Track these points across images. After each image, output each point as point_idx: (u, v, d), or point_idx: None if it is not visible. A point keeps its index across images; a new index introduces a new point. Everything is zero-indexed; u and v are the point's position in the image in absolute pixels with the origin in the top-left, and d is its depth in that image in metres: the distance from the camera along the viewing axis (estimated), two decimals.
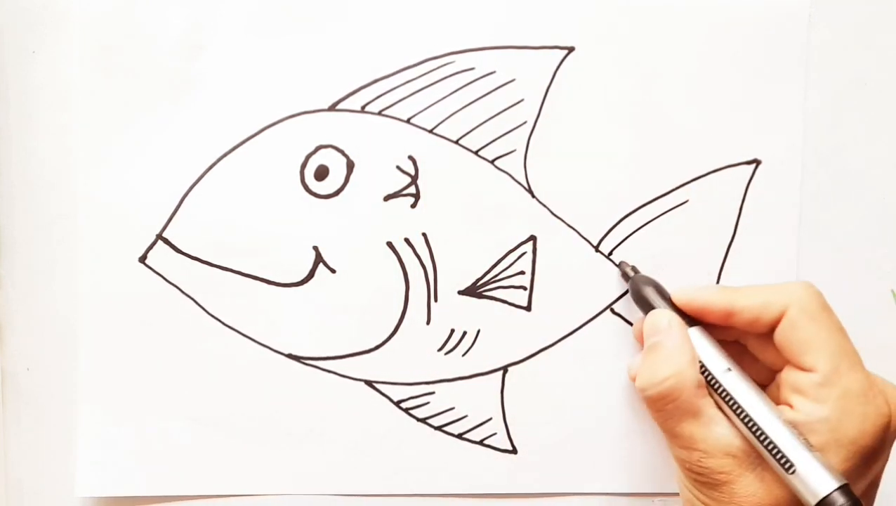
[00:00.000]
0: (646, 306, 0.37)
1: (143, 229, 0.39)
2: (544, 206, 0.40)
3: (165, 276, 0.39)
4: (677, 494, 0.40)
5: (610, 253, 0.40)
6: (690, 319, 0.36)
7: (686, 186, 0.40)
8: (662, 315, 0.36)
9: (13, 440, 0.40)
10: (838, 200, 0.41)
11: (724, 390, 0.33)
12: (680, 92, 0.39)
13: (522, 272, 0.40)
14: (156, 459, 0.39)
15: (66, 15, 0.39)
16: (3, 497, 0.40)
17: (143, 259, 0.39)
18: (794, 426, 0.32)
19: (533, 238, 0.40)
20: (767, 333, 0.34)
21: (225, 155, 0.39)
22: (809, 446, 0.31)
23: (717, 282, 0.40)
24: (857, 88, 0.40)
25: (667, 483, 0.40)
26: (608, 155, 0.39)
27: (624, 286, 0.40)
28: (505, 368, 0.40)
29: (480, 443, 0.40)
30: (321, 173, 0.39)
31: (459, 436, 0.40)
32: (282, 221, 0.39)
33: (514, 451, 0.40)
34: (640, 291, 0.37)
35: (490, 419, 0.40)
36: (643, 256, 0.40)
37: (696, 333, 0.35)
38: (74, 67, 0.38)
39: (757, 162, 0.40)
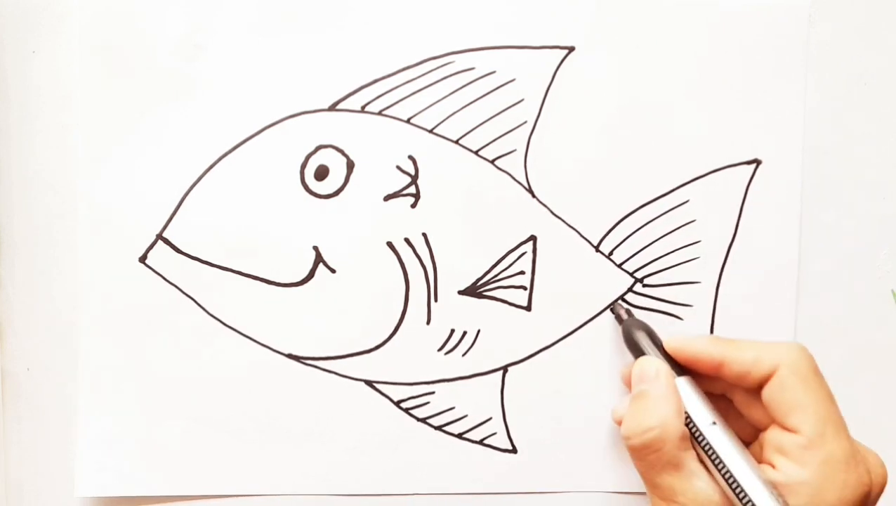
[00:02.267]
0: (636, 351, 0.37)
1: (143, 229, 0.39)
2: (544, 206, 0.40)
3: (165, 276, 0.39)
4: None
5: (610, 253, 0.40)
6: (680, 367, 0.36)
7: (686, 186, 0.40)
8: (651, 363, 0.36)
9: (13, 440, 0.40)
10: (838, 200, 0.41)
11: (706, 443, 0.33)
12: (680, 92, 0.39)
13: (522, 272, 0.40)
14: (156, 459, 0.40)
15: (66, 15, 0.39)
16: (3, 497, 0.40)
17: (143, 259, 0.39)
18: (773, 486, 0.32)
19: (533, 238, 0.40)
20: (756, 389, 0.34)
21: (225, 155, 0.39)
22: None
23: (719, 282, 0.40)
24: (858, 87, 0.40)
25: None
26: (608, 155, 0.39)
27: (624, 288, 0.40)
28: (505, 368, 0.40)
29: (480, 443, 0.40)
30: (321, 173, 0.39)
31: (459, 436, 0.40)
32: (282, 221, 0.39)
33: (514, 450, 0.40)
34: (632, 336, 0.37)
35: (490, 419, 0.40)
36: (643, 256, 0.40)
37: (683, 383, 0.35)
38: (74, 67, 0.38)
39: (757, 162, 0.40)
